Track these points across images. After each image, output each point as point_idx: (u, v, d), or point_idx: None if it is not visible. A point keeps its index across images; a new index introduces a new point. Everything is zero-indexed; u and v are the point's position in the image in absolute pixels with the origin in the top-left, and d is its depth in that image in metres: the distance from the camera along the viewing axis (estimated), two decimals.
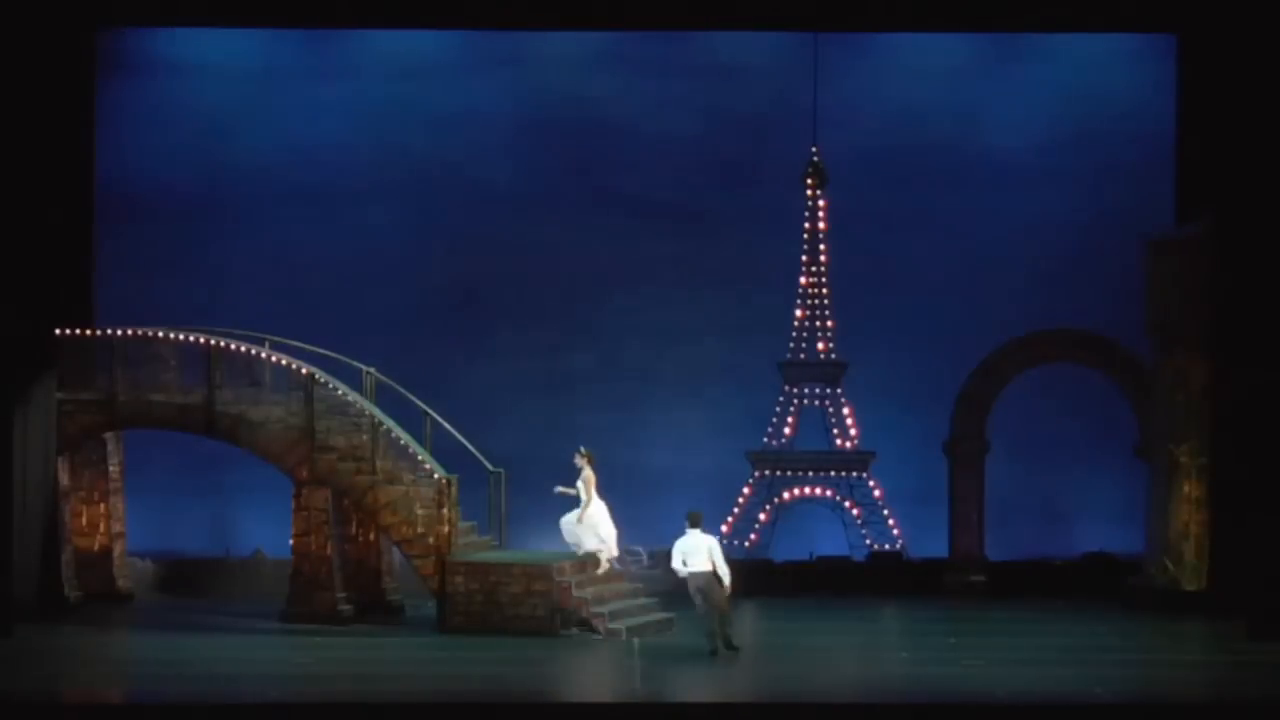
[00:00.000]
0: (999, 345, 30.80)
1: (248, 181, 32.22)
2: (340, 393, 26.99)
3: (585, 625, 25.36)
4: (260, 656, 24.09)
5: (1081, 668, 22.98)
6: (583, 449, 26.33)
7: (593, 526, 26.32)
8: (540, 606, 25.45)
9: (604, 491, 26.40)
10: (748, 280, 32.96)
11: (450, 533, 26.11)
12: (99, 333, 27.70)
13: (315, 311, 30.80)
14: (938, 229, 32.44)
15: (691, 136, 32.72)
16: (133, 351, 27.49)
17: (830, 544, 32.57)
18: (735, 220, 32.75)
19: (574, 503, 26.26)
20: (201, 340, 27.33)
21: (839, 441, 33.47)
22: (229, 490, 31.30)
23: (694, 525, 24.11)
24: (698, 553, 23.94)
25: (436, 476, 26.29)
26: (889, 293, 32.66)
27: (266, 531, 30.19)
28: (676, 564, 24.06)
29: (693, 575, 23.90)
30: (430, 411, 27.00)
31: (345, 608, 26.73)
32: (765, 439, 33.57)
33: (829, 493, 33.42)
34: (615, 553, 26.60)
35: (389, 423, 26.85)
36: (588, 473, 26.23)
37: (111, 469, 28.75)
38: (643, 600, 26.72)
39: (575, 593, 25.49)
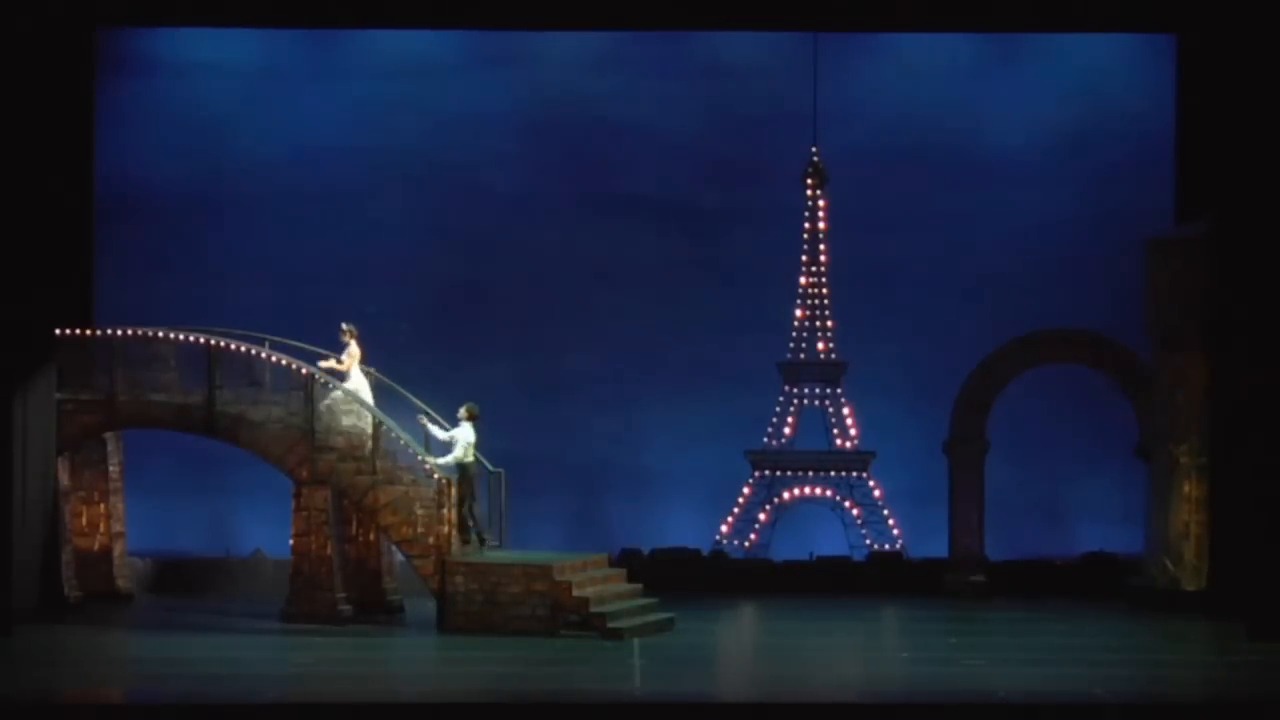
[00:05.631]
0: (999, 345, 30.78)
1: (248, 181, 32.22)
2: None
3: (585, 625, 25.35)
4: (260, 656, 24.08)
5: (1081, 668, 22.97)
6: (345, 324, 26.98)
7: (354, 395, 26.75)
8: (540, 606, 25.43)
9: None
10: (748, 280, 32.97)
11: (450, 533, 26.10)
12: (99, 333, 27.67)
13: (315, 311, 30.77)
14: (938, 229, 32.43)
15: (691, 136, 32.73)
16: (133, 351, 27.45)
17: (830, 544, 32.56)
18: (735, 220, 32.75)
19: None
20: (201, 340, 27.31)
21: (839, 441, 33.48)
22: (229, 490, 31.30)
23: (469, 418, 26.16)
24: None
25: (436, 476, 26.28)
26: (889, 293, 32.67)
27: (266, 531, 30.18)
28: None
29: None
30: (430, 411, 26.99)
31: (345, 608, 26.71)
32: (765, 439, 33.58)
33: (829, 493, 33.43)
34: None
35: (389, 423, 26.85)
36: (353, 348, 26.84)
37: (111, 469, 28.73)
38: (643, 600, 26.71)
39: (575, 593, 25.47)
